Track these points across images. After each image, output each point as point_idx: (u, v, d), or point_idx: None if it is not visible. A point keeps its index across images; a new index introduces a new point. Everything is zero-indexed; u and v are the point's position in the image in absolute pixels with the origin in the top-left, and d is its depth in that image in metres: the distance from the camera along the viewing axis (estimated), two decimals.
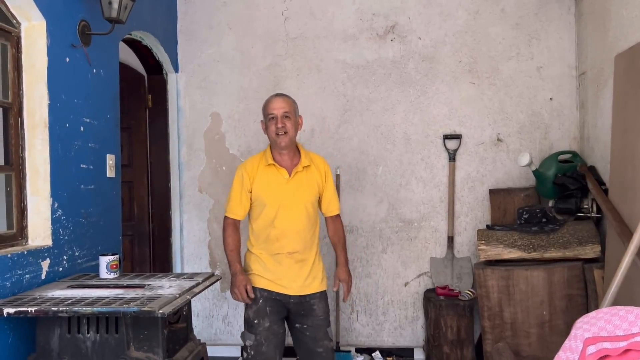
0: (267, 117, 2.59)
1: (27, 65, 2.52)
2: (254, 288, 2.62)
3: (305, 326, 2.68)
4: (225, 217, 2.70)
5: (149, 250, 4.12)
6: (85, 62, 2.85)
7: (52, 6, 2.57)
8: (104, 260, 2.51)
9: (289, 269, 2.63)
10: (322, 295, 2.73)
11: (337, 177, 4.00)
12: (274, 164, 2.62)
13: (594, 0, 3.52)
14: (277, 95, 2.64)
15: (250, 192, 2.64)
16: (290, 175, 2.62)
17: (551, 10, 3.91)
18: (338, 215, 2.84)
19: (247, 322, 2.65)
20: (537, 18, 3.93)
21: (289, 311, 2.69)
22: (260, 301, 2.62)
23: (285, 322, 2.73)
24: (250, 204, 2.68)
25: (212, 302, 4.24)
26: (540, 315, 3.20)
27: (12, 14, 2.48)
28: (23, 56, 2.52)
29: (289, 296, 2.64)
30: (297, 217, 2.61)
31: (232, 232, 2.67)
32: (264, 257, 2.65)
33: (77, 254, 2.72)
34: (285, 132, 2.55)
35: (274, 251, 2.63)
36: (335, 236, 2.83)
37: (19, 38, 2.51)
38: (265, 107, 2.62)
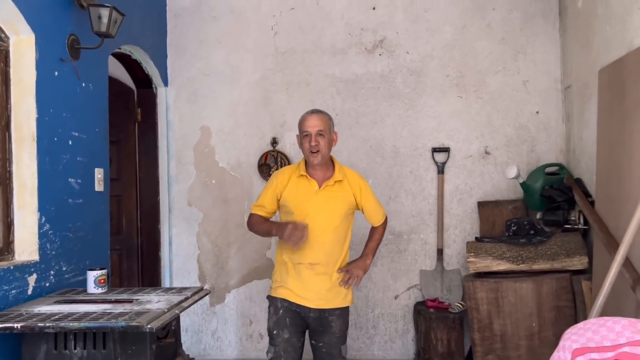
0: (302, 134, 2.61)
1: (16, 79, 2.52)
2: (276, 298, 2.65)
3: (320, 344, 2.67)
4: (251, 214, 2.75)
5: (138, 264, 4.09)
6: (74, 76, 2.85)
7: (42, 20, 2.57)
8: (92, 275, 2.49)
9: (308, 280, 2.61)
10: (343, 312, 2.71)
11: None
12: (305, 175, 2.64)
13: (577, 15, 3.58)
14: (313, 112, 2.64)
15: (279, 199, 2.67)
16: (320, 187, 2.64)
17: (536, 26, 3.98)
18: (383, 222, 2.88)
19: (269, 334, 2.67)
20: (523, 33, 4.00)
21: (308, 326, 2.68)
22: (281, 311, 2.63)
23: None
24: (280, 210, 2.73)
25: (201, 317, 4.21)
26: (530, 327, 3.21)
27: (0, 28, 2.48)
28: (11, 70, 2.51)
29: (309, 309, 2.63)
30: (322, 228, 2.61)
31: (255, 215, 2.73)
32: (289, 267, 2.65)
33: (64, 268, 2.70)
34: (318, 151, 2.57)
35: (296, 260, 2.63)
36: (373, 232, 2.87)
37: (7, 52, 2.51)
38: (301, 124, 2.63)
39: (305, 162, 2.67)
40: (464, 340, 3.69)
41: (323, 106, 4.11)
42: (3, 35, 2.49)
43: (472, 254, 3.39)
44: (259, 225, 2.69)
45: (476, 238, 3.61)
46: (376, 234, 2.86)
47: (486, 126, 4.01)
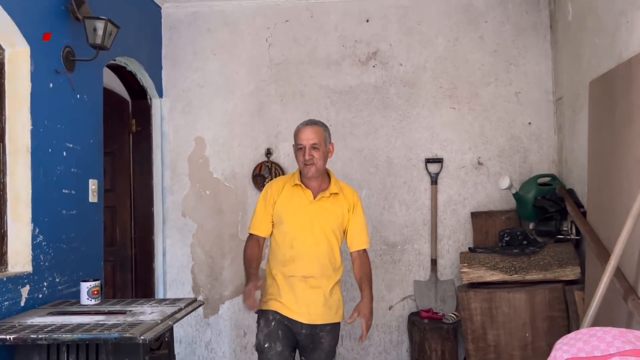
0: (296, 146, 2.55)
1: (10, 91, 2.53)
2: (267, 311, 2.54)
3: None
4: (249, 235, 2.66)
5: (131, 275, 4.08)
6: (68, 87, 2.87)
7: (37, 32, 2.59)
8: (85, 286, 2.49)
9: (302, 293, 2.52)
10: (334, 327, 2.62)
11: None
12: (300, 185, 2.57)
13: (568, 28, 3.64)
14: (307, 124, 2.57)
15: (273, 209, 2.59)
16: (315, 197, 2.57)
17: (528, 38, 4.03)
18: (365, 251, 2.70)
19: (258, 349, 2.55)
20: (515, 45, 4.04)
21: (297, 343, 2.58)
22: (273, 324, 2.52)
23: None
24: (273, 220, 2.63)
25: (195, 328, 4.19)
26: (523, 337, 3.22)
27: None
28: (6, 82, 2.53)
29: (301, 325, 2.53)
30: (316, 240, 2.54)
31: (251, 245, 2.62)
32: (280, 280, 2.55)
33: (57, 280, 2.69)
34: (313, 164, 2.51)
35: (288, 273, 2.53)
36: (361, 271, 2.66)
37: (2, 64, 2.52)
38: (295, 136, 2.57)
39: (301, 172, 2.62)
40: (458, 350, 3.69)
41: (317, 117, 4.10)
42: None
43: (466, 264, 3.40)
44: (245, 259, 2.60)
45: (469, 248, 3.62)
46: (367, 268, 2.68)
47: (479, 137, 4.04)
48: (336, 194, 2.59)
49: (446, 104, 4.07)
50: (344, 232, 2.66)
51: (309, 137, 2.51)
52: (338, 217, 2.59)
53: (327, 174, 2.65)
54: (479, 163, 4.04)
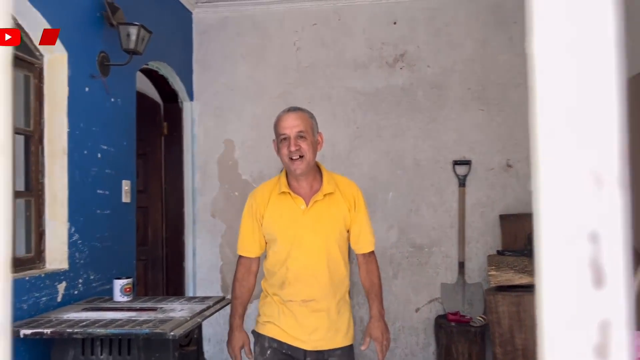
0: (279, 138, 2.07)
1: (49, 95, 2.63)
2: (262, 336, 2.18)
3: None
4: (238, 258, 2.24)
5: (162, 274, 4.18)
6: (103, 91, 2.97)
7: (74, 39, 2.69)
8: (118, 284, 2.57)
9: (303, 319, 2.10)
10: (345, 351, 2.16)
11: None
12: (288, 192, 2.11)
13: None
14: (290, 110, 2.12)
15: (262, 225, 2.15)
16: (307, 205, 2.10)
17: None
18: (372, 253, 2.24)
19: None
20: None
21: None
22: (269, 352, 2.14)
23: None
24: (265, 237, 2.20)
25: (224, 327, 4.26)
26: None
27: (35, 47, 2.61)
28: (45, 86, 2.63)
29: (304, 352, 2.11)
30: (314, 257, 2.09)
31: (241, 276, 2.20)
32: (277, 301, 2.16)
33: (91, 277, 2.79)
34: (301, 156, 2.02)
35: (285, 297, 2.12)
36: (367, 280, 2.22)
37: (41, 69, 2.63)
38: (276, 125, 2.10)
39: (287, 174, 2.14)
40: (485, 354, 3.66)
41: (344, 119, 4.16)
42: (38, 53, 2.61)
43: (494, 267, 3.37)
44: (233, 296, 2.25)
45: (497, 251, 3.59)
46: (374, 276, 2.22)
47: (508, 139, 4.00)
48: (331, 193, 2.12)
49: (474, 106, 4.05)
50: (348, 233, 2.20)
51: (293, 124, 2.04)
52: (338, 221, 2.13)
53: (318, 169, 2.17)
54: (508, 165, 4.00)
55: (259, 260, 2.24)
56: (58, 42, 2.60)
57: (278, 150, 2.09)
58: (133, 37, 2.91)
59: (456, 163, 4.04)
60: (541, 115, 0.32)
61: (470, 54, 4.08)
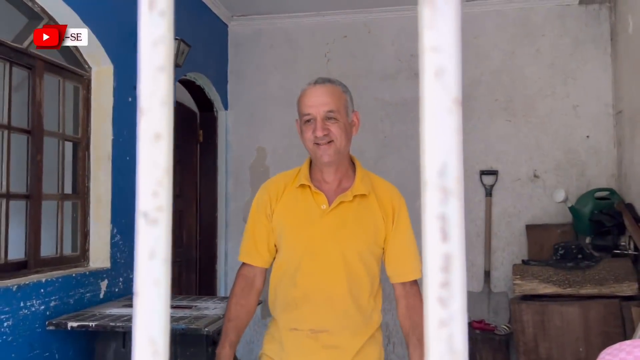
0: (302, 118, 1.57)
1: (95, 105, 2.83)
2: None
3: None
4: (240, 266, 1.68)
5: (195, 276, 4.35)
6: None
7: (120, 52, 2.88)
8: None
9: (311, 356, 1.56)
10: None
11: None
12: (308, 185, 1.59)
13: (629, 41, 3.60)
14: (318, 82, 1.58)
15: (271, 224, 1.63)
16: (330, 204, 1.58)
17: (587, 51, 4.00)
18: (416, 283, 1.61)
19: None
20: (573, 58, 4.03)
21: None
22: None
23: None
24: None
25: (253, 328, 4.40)
26: (576, 351, 3.20)
27: (84, 60, 2.80)
28: (92, 96, 2.83)
29: None
30: (331, 272, 1.56)
31: (239, 291, 1.64)
32: (283, 331, 1.60)
33: (131, 276, 2.96)
34: (330, 141, 1.53)
35: (290, 324, 1.58)
36: (408, 319, 1.60)
37: (89, 80, 2.83)
38: (300, 102, 1.58)
39: (311, 163, 1.64)
40: None
41: (373, 129, 4.27)
42: (87, 66, 2.81)
43: (519, 276, 3.42)
44: (225, 316, 1.68)
45: (523, 261, 3.63)
46: (417, 313, 1.60)
47: (535, 150, 4.04)
48: (364, 195, 1.59)
49: (502, 117, 4.10)
50: (382, 255, 1.64)
51: (321, 101, 1.53)
52: (368, 232, 1.59)
53: (352, 163, 1.67)
54: (535, 176, 4.04)
55: (265, 272, 1.68)
56: (104, 55, 2.80)
57: (301, 133, 1.58)
58: (176, 51, 3.08)
59: (483, 173, 4.09)
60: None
61: (497, 66, 4.14)
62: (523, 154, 4.07)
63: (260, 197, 1.66)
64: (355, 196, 1.59)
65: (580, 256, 3.45)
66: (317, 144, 1.53)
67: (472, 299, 4.05)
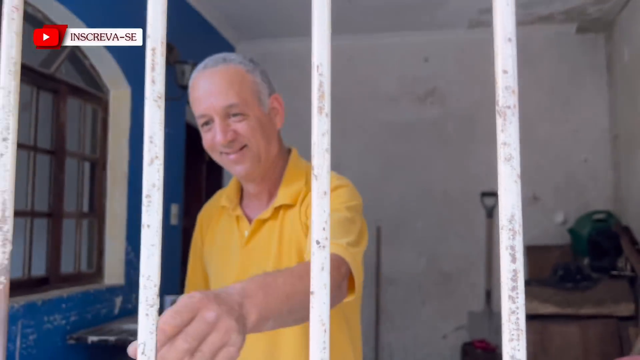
0: (198, 120, 1.12)
1: (113, 126, 2.93)
2: None
3: None
4: None
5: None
6: None
7: (137, 75, 2.99)
8: (169, 299, 2.79)
9: None
10: None
11: (378, 229, 4.22)
12: (226, 206, 1.23)
13: (624, 69, 3.74)
14: (208, 65, 1.12)
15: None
16: (250, 227, 1.18)
17: (584, 78, 4.15)
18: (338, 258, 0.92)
19: None
20: (571, 84, 4.17)
21: None
22: None
23: None
24: None
25: None
26: None
27: (103, 83, 2.91)
28: (110, 118, 2.93)
29: None
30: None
31: None
32: None
33: None
34: (243, 147, 1.10)
35: None
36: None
37: (107, 103, 2.93)
38: (190, 98, 1.13)
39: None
40: None
41: (376, 150, 4.37)
42: (105, 88, 2.91)
43: None
44: None
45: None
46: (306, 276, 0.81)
47: (535, 172, 4.16)
48: (290, 206, 1.15)
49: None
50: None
51: (216, 92, 1.08)
52: (298, 251, 1.12)
53: (284, 164, 1.23)
54: (535, 198, 4.15)
55: None
56: (123, 78, 2.90)
57: (204, 141, 1.12)
58: (187, 75, 3.20)
59: (484, 194, 4.20)
60: None
61: None
62: (523, 176, 4.08)
63: (196, 225, 1.30)
64: (277, 208, 1.15)
65: (579, 277, 3.54)
66: (225, 153, 1.09)
67: (474, 318, 4.13)
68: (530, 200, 4.15)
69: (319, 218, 0.31)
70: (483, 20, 4.16)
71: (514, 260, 0.30)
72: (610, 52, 4.05)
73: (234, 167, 1.12)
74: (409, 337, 4.22)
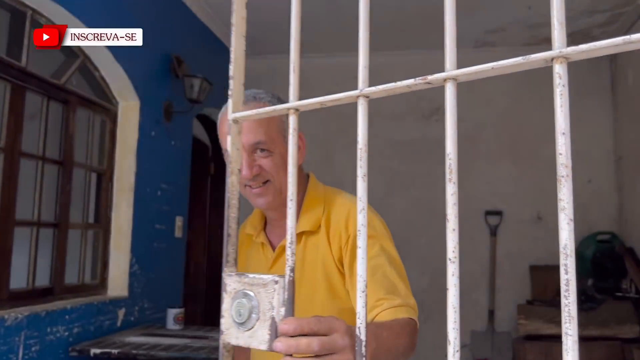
0: (224, 153, 1.08)
1: (121, 138, 2.94)
2: None
3: None
4: None
5: (201, 307, 4.39)
6: (166, 135, 3.27)
7: (146, 88, 3.02)
8: (172, 312, 2.79)
9: None
10: None
11: None
12: (252, 234, 1.30)
13: (628, 91, 3.77)
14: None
15: None
16: (274, 253, 1.24)
17: (589, 100, 4.18)
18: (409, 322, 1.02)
19: None
20: (575, 106, 4.18)
21: None
22: None
23: None
24: None
25: None
26: None
27: (112, 95, 2.93)
28: (118, 130, 2.94)
29: None
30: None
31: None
32: None
33: (146, 305, 3.02)
34: (266, 181, 1.16)
35: None
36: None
37: (115, 115, 2.95)
38: (219, 132, 1.24)
39: None
40: None
41: (380, 167, 4.39)
42: (114, 100, 2.94)
43: (523, 316, 3.49)
44: None
45: (527, 301, 3.70)
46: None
47: (539, 192, 4.16)
48: (313, 233, 1.20)
49: (507, 159, 4.24)
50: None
51: (244, 129, 1.13)
52: (318, 280, 1.17)
53: (304, 191, 1.28)
54: (539, 217, 4.15)
55: None
56: (132, 91, 2.93)
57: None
58: (196, 88, 3.23)
59: (488, 213, 4.20)
60: None
61: (502, 110, 4.30)
62: (527, 196, 4.19)
63: None
64: (299, 235, 1.19)
65: (583, 298, 3.53)
66: (249, 186, 1.15)
67: (476, 337, 4.10)
68: (534, 220, 4.15)
69: None
70: (489, 40, 4.21)
71: (566, 272, 0.33)
72: (615, 75, 4.08)
73: (256, 199, 1.18)
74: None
